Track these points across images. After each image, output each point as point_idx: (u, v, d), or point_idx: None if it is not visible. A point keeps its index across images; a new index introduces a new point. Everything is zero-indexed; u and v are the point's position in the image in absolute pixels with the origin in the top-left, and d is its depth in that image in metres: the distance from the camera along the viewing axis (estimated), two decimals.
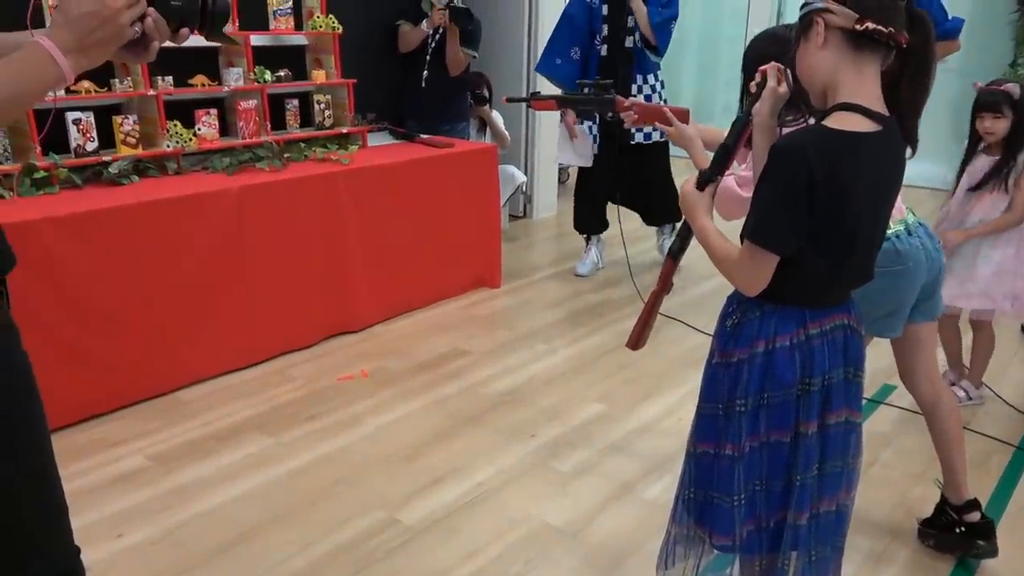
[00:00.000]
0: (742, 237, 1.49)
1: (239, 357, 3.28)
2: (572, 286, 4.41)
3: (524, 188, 5.50)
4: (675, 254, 1.77)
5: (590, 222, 4.58)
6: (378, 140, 4.18)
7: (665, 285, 1.81)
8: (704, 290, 4.25)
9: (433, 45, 4.41)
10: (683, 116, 1.91)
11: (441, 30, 4.37)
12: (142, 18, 1.19)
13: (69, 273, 2.75)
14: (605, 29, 4.17)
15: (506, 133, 5.08)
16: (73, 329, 2.77)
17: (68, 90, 3.11)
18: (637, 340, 1.87)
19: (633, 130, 4.26)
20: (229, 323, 3.22)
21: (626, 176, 4.38)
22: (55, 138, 3.09)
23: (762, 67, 1.57)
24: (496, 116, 5.05)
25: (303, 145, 3.72)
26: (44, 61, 1.10)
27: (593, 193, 4.48)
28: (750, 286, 1.51)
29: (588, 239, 4.65)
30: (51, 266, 2.70)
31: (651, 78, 4.22)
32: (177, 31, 1.24)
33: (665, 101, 4.26)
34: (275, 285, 3.35)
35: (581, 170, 4.52)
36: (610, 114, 2.07)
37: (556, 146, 5.76)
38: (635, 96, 4.18)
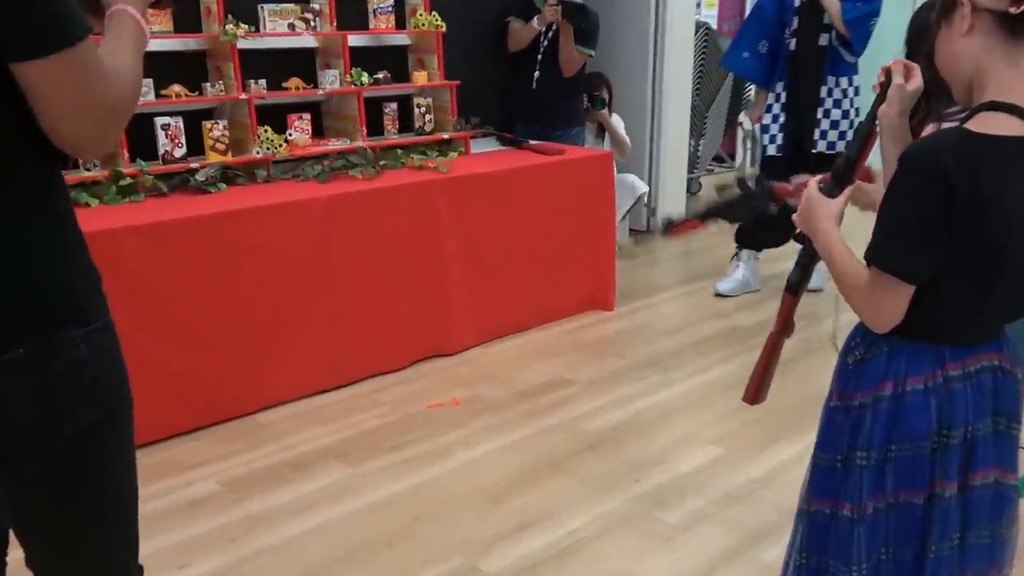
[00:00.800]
0: (866, 260, 1.38)
1: (324, 379, 3.34)
2: (697, 309, 4.28)
3: (646, 199, 5.40)
4: (794, 287, 1.65)
5: (753, 234, 4.43)
6: (483, 146, 4.21)
7: (786, 326, 1.68)
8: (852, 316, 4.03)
9: (545, 43, 4.42)
10: (868, 176, 1.76)
11: (554, 27, 4.37)
12: None
13: (149, 284, 2.87)
14: (795, 22, 4.10)
15: (626, 139, 5.02)
16: (152, 343, 2.88)
17: (158, 94, 3.29)
18: (756, 393, 1.74)
19: (817, 137, 4.16)
20: (315, 342, 3.28)
21: None
22: (142, 144, 3.26)
23: (884, 65, 1.46)
24: (616, 120, 5.00)
25: (400, 152, 3.78)
26: (136, 28, 1.27)
27: None
28: (877, 320, 1.40)
29: (737, 254, 4.52)
30: (131, 277, 2.82)
31: (843, 81, 4.12)
32: None
33: (856, 110, 4.16)
34: (365, 302, 3.39)
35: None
36: (773, 205, 1.90)
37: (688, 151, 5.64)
38: (824, 100, 4.10)
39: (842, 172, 1.49)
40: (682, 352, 3.78)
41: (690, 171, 6.29)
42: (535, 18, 4.37)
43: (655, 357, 3.72)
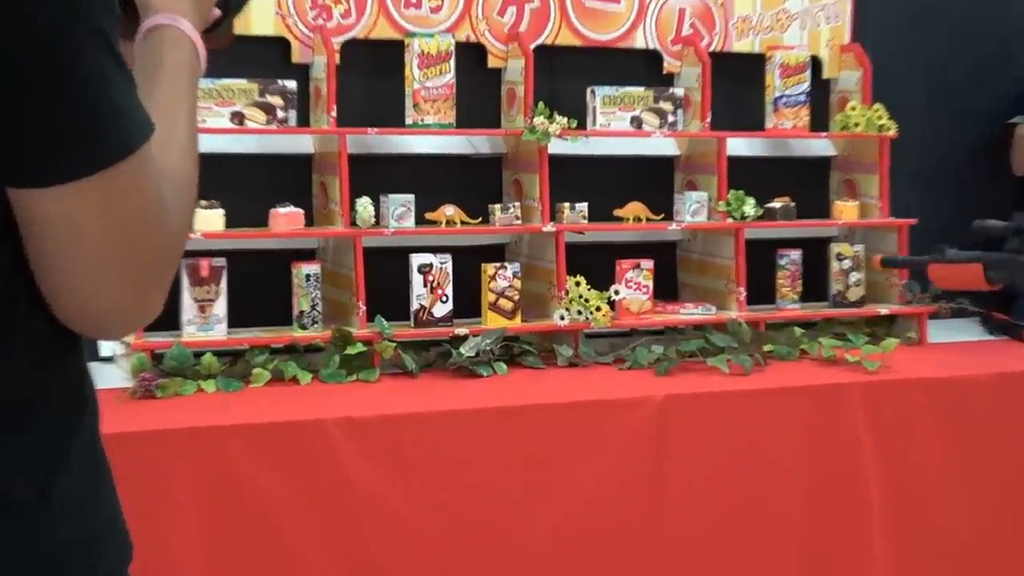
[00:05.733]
0: None
1: None
2: None
3: None
4: None
5: None
6: (950, 332, 4.11)
7: None
8: None
9: None
10: None
11: None
12: None
13: (368, 512, 2.90)
14: None
15: None
16: None
17: (420, 218, 3.44)
18: None
19: None
20: None
21: None
22: (386, 292, 3.40)
23: None
24: None
25: (800, 332, 3.72)
26: (194, 61, 1.26)
27: None
28: None
29: None
30: (344, 497, 2.88)
31: None
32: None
33: None
34: (714, 574, 3.30)
35: None
36: None
37: None
38: None
39: None
40: None
41: None
42: None
43: None
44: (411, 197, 3.43)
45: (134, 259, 1.11)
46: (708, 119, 3.75)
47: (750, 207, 3.72)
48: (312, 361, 3.28)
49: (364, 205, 3.37)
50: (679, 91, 3.77)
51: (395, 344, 3.31)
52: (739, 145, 3.88)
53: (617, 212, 3.69)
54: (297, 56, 3.49)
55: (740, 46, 4.00)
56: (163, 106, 1.18)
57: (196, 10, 1.27)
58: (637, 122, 3.69)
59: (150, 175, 1.10)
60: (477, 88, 3.68)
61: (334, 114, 3.40)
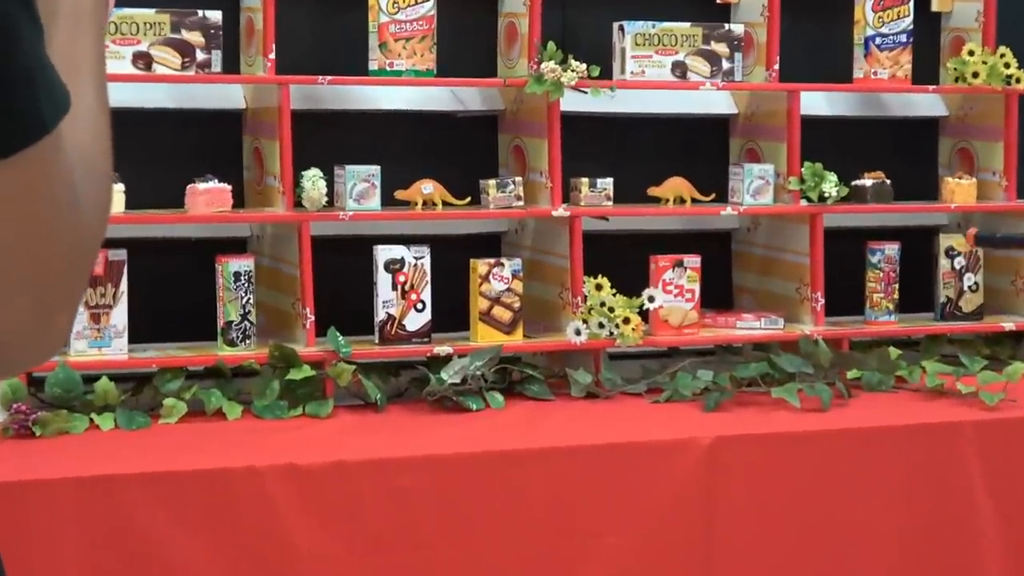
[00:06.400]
0: None
1: None
2: None
3: None
4: None
5: None
6: None
7: None
8: None
9: None
10: None
11: None
12: None
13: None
14: None
15: None
16: None
17: (389, 199, 3.42)
18: None
19: None
20: None
21: None
22: (344, 297, 3.42)
23: None
24: None
25: (896, 353, 3.76)
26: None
27: None
28: None
29: None
30: (286, 569, 2.89)
31: None
32: None
33: None
34: None
35: None
36: None
37: None
38: None
39: None
40: None
41: None
42: None
43: None
44: (376, 169, 3.44)
45: (41, 271, 1.08)
46: (776, 66, 3.74)
47: (831, 185, 3.72)
48: (243, 389, 3.28)
49: (313, 180, 3.39)
50: (737, 28, 3.77)
51: (354, 367, 3.31)
52: (817, 101, 3.90)
53: (653, 191, 3.69)
54: None
55: None
56: (64, 65, 1.14)
57: None
58: (681, 70, 3.67)
59: (63, 160, 1.07)
60: (465, 23, 3.70)
61: (273, 56, 3.38)
